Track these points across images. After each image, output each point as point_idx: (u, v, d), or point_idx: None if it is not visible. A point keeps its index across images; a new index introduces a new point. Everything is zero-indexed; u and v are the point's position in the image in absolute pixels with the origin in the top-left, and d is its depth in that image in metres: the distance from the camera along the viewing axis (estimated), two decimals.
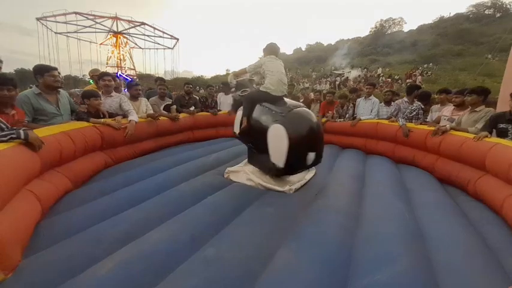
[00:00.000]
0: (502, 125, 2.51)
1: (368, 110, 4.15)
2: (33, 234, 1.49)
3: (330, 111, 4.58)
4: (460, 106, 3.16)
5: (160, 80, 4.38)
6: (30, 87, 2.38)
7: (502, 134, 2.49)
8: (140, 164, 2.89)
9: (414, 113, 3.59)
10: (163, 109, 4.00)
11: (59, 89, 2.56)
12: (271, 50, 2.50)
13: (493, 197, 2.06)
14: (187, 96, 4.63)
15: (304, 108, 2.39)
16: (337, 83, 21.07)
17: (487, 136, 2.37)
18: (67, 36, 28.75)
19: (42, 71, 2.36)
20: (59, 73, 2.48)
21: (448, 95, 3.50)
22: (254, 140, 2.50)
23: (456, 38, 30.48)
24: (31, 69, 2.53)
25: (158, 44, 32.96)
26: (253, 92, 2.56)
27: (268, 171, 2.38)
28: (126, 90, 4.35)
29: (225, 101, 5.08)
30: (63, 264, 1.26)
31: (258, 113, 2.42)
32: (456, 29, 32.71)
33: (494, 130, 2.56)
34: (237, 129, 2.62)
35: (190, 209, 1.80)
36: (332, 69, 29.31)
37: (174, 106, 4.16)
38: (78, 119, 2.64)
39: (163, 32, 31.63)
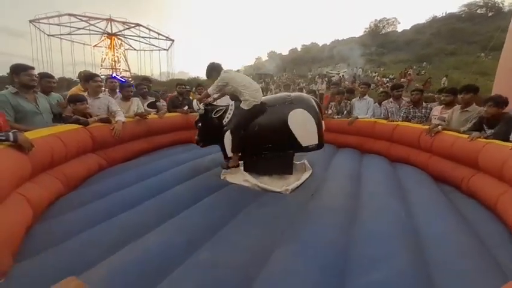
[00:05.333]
0: None
1: (364, 109, 4.15)
2: (25, 239, 1.46)
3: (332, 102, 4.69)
4: (449, 105, 3.19)
5: (145, 80, 4.81)
6: (6, 88, 2.32)
7: None
8: (134, 167, 2.86)
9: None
10: (148, 106, 3.97)
11: (36, 89, 2.50)
12: (220, 68, 2.57)
13: (487, 194, 2.08)
14: (180, 97, 4.59)
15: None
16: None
17: (480, 137, 2.39)
18: (60, 38, 28.46)
19: (18, 70, 2.31)
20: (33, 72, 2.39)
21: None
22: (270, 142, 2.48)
23: (449, 37, 30.83)
24: None
25: (153, 45, 32.83)
26: (243, 113, 2.42)
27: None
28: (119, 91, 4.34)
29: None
30: (56, 270, 1.23)
31: (264, 116, 2.44)
32: (449, 29, 33.07)
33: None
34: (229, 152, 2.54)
35: (186, 212, 1.79)
36: (330, 69, 29.39)
37: (160, 103, 4.18)
38: (65, 123, 2.58)
39: (159, 34, 31.52)
